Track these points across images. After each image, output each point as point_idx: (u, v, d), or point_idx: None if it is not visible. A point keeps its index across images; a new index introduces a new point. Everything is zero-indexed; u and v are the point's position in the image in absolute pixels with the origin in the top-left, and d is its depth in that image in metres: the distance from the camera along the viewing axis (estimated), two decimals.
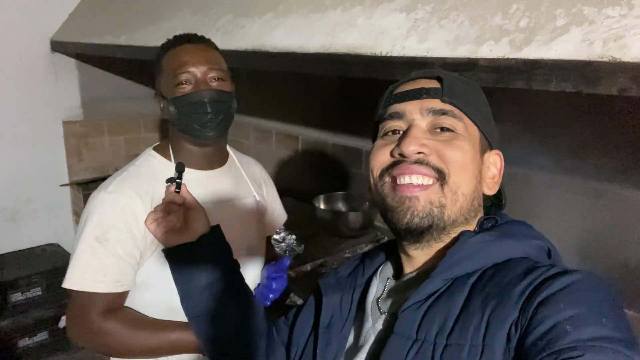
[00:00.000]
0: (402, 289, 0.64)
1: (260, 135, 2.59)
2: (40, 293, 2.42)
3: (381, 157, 0.63)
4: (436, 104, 0.61)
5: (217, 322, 0.85)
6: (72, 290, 0.92)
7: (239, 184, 1.12)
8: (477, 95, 0.66)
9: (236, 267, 0.90)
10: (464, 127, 0.62)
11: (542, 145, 1.42)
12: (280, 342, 0.79)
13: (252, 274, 1.10)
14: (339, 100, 2.13)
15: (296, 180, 2.33)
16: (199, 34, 1.05)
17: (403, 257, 0.66)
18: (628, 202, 1.25)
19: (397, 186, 0.60)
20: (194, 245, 0.85)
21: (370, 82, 0.97)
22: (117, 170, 1.05)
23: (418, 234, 0.60)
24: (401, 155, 0.60)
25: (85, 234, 0.92)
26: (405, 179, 0.60)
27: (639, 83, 0.62)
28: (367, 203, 1.94)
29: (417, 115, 0.62)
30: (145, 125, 2.97)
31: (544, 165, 1.42)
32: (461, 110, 0.62)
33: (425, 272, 0.61)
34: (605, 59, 0.65)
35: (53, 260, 2.53)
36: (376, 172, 0.64)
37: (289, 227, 1.66)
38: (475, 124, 0.63)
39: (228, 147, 1.14)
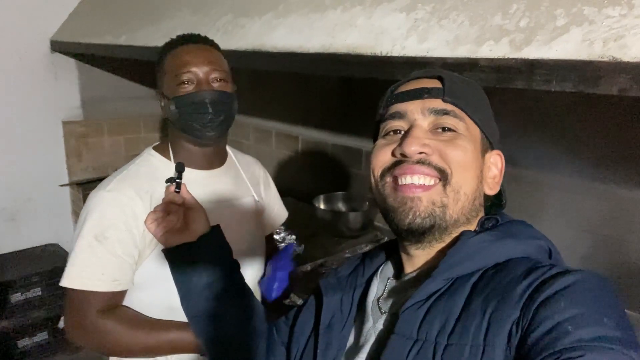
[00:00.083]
0: (403, 288, 0.64)
1: (260, 136, 2.59)
2: (40, 293, 2.42)
3: (382, 157, 0.63)
4: (438, 103, 0.61)
5: (217, 322, 0.85)
6: (69, 289, 0.92)
7: (238, 184, 1.12)
8: (478, 95, 0.66)
9: (236, 267, 0.90)
10: (466, 127, 0.62)
11: (542, 145, 1.42)
12: (280, 342, 0.79)
13: (251, 274, 1.10)
14: (339, 100, 2.13)
15: (296, 180, 2.33)
16: (200, 34, 1.05)
17: (404, 256, 0.66)
18: (628, 202, 1.26)
19: (399, 187, 0.60)
20: (194, 245, 0.85)
21: (370, 82, 0.97)
22: (116, 170, 1.05)
23: (420, 234, 0.60)
24: (403, 155, 0.60)
25: (84, 232, 0.92)
26: (406, 179, 0.60)
27: (638, 83, 0.62)
28: (367, 203, 1.94)
29: (418, 115, 0.62)
30: (145, 125, 2.97)
31: (544, 166, 1.42)
32: (462, 110, 0.62)
33: (426, 271, 0.61)
34: (606, 59, 0.65)
35: (53, 261, 2.53)
36: (377, 172, 0.63)
37: (289, 227, 1.66)
38: (477, 124, 0.63)
39: (227, 147, 1.15)
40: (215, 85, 0.98)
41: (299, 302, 1.35)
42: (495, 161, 0.66)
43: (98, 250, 0.91)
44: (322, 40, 1.12)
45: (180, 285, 0.86)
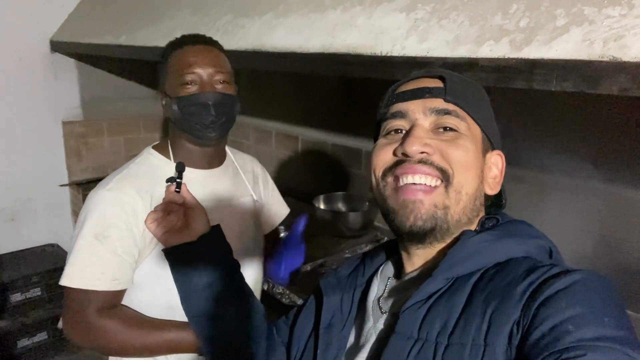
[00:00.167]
0: (403, 288, 0.64)
1: (260, 136, 2.59)
2: (39, 293, 2.42)
3: (384, 156, 0.63)
4: (439, 103, 0.61)
5: (217, 322, 0.85)
6: (69, 288, 0.92)
7: (237, 183, 1.13)
8: (479, 95, 0.66)
9: (236, 266, 0.90)
10: (467, 126, 0.61)
11: (542, 145, 1.42)
12: (280, 342, 0.79)
13: (251, 273, 1.10)
14: (339, 100, 2.13)
15: (296, 180, 2.33)
16: (204, 34, 1.05)
17: (404, 256, 0.66)
18: (628, 202, 1.26)
19: (400, 189, 0.60)
20: (194, 245, 0.85)
21: (370, 82, 0.97)
22: (116, 170, 1.05)
23: (421, 236, 0.60)
24: (404, 154, 0.60)
25: (84, 231, 0.92)
26: (408, 179, 0.59)
27: (638, 83, 0.62)
28: (367, 203, 1.94)
29: (420, 114, 0.62)
30: (145, 125, 2.97)
31: (544, 166, 1.42)
32: (464, 109, 0.62)
33: (427, 271, 0.61)
34: (606, 59, 0.65)
35: (52, 261, 2.53)
36: (378, 171, 0.63)
37: (289, 226, 1.66)
38: (478, 124, 0.63)
39: (226, 147, 1.15)
40: (219, 87, 0.98)
41: (299, 302, 1.35)
42: (496, 161, 0.65)
43: (98, 249, 0.91)
44: (322, 40, 1.12)
45: (180, 285, 0.86)
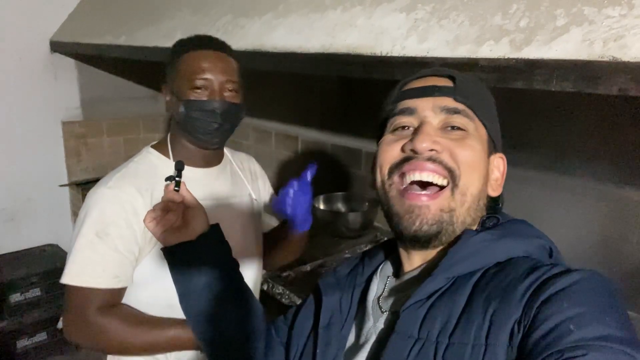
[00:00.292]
0: (403, 287, 0.64)
1: (260, 136, 2.59)
2: (39, 294, 2.42)
3: (391, 152, 0.62)
4: (449, 102, 0.61)
5: (216, 322, 0.85)
6: (70, 286, 0.92)
7: (235, 182, 1.13)
8: (486, 96, 0.66)
9: (235, 266, 0.90)
10: (475, 127, 0.61)
11: (542, 145, 1.42)
12: (279, 341, 0.79)
13: (250, 272, 1.10)
14: (339, 100, 2.13)
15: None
16: (199, 34, 1.06)
17: (403, 255, 0.66)
18: (628, 202, 1.26)
19: (406, 193, 0.59)
20: (193, 244, 0.84)
21: (370, 82, 0.97)
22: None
23: (425, 240, 0.59)
24: (413, 151, 0.59)
25: (85, 229, 0.92)
26: (415, 176, 0.59)
27: (638, 83, 0.62)
28: (367, 203, 1.94)
29: (429, 112, 0.61)
30: (145, 125, 2.97)
31: (544, 166, 1.42)
32: (472, 110, 0.61)
33: (427, 270, 0.61)
34: (606, 59, 0.65)
35: (52, 261, 2.53)
36: (385, 168, 0.62)
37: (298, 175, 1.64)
38: (484, 125, 0.63)
39: None
40: (227, 94, 0.99)
41: (298, 302, 1.34)
42: (498, 164, 0.65)
43: (99, 247, 0.91)
44: (322, 40, 1.13)
45: (179, 284, 0.86)
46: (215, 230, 0.88)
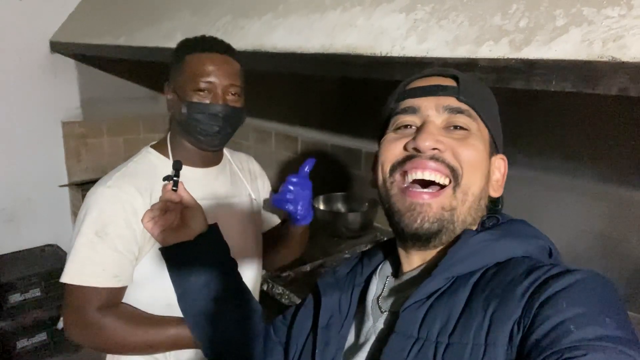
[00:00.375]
0: (403, 287, 0.64)
1: (260, 136, 2.59)
2: (39, 294, 2.42)
3: (394, 150, 0.62)
4: (452, 102, 0.61)
5: (214, 322, 0.85)
6: (69, 285, 0.92)
7: (235, 182, 1.13)
8: (489, 97, 0.66)
9: (234, 266, 0.90)
10: (477, 127, 0.61)
11: (542, 145, 1.42)
12: (277, 341, 0.79)
13: (249, 273, 1.10)
14: (339, 100, 2.13)
15: None
16: (199, 34, 1.06)
17: (402, 255, 0.66)
18: (628, 202, 1.26)
19: (407, 191, 0.59)
20: (191, 244, 0.84)
21: (369, 82, 0.97)
22: None
23: (426, 239, 0.59)
24: (415, 149, 0.59)
25: (84, 228, 0.92)
26: (417, 174, 0.59)
27: (638, 83, 0.62)
28: (367, 204, 1.94)
29: (432, 111, 0.61)
30: (145, 126, 2.97)
31: (543, 167, 1.42)
32: (475, 110, 0.61)
33: (427, 270, 0.61)
34: (605, 59, 0.65)
35: (52, 261, 2.53)
36: (387, 165, 0.62)
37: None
38: (487, 126, 0.63)
39: None
40: (229, 98, 1.00)
41: (298, 302, 1.34)
42: (499, 166, 0.66)
43: (98, 246, 0.91)
44: (321, 40, 1.13)
45: (178, 284, 0.86)
46: (213, 230, 0.88)
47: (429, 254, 0.63)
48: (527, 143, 1.43)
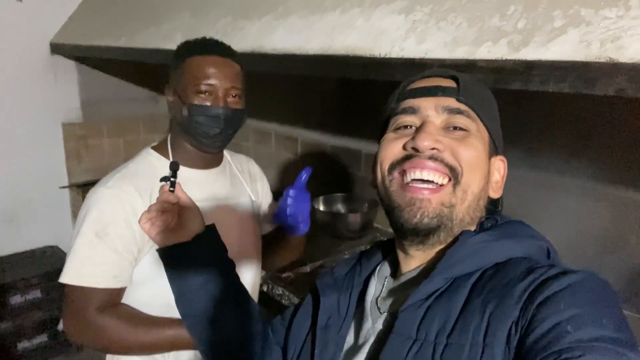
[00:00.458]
0: (402, 288, 0.64)
1: (260, 137, 2.59)
2: (39, 295, 2.42)
3: (393, 149, 0.62)
4: (452, 102, 0.61)
5: (212, 323, 0.85)
6: (69, 285, 0.92)
7: (235, 183, 1.13)
8: (489, 99, 0.66)
9: (232, 266, 0.90)
10: (477, 128, 0.62)
11: (542, 146, 1.42)
12: (276, 342, 0.79)
13: (248, 274, 1.10)
14: (338, 101, 2.13)
15: None
16: (199, 36, 1.06)
17: (401, 256, 0.66)
18: (628, 202, 1.26)
19: (407, 186, 0.60)
20: (189, 245, 0.84)
21: (369, 83, 0.97)
22: None
23: (425, 234, 0.60)
24: (414, 149, 0.60)
25: (84, 229, 0.93)
26: (415, 174, 0.59)
27: (635, 83, 0.63)
28: (367, 204, 1.94)
29: (432, 111, 0.61)
30: (145, 127, 2.98)
31: (543, 167, 1.42)
32: (475, 111, 0.62)
33: (425, 271, 0.61)
34: (603, 60, 0.65)
35: (52, 263, 2.53)
36: (386, 164, 0.63)
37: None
38: (486, 127, 0.63)
39: None
40: (230, 100, 1.00)
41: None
42: (499, 167, 0.66)
43: (98, 247, 0.92)
44: (321, 41, 1.13)
45: (175, 285, 0.85)
46: (210, 231, 0.88)
47: (428, 254, 0.63)
48: (527, 143, 1.43)
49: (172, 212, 0.85)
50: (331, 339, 0.66)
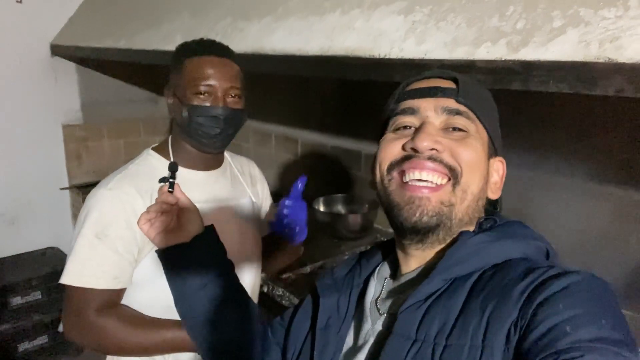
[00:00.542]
0: (401, 289, 0.64)
1: (260, 138, 2.60)
2: (40, 297, 2.42)
3: (392, 150, 0.62)
4: (451, 103, 0.61)
5: (211, 323, 0.85)
6: (69, 286, 0.93)
7: (235, 185, 1.13)
8: (489, 100, 0.66)
9: (231, 267, 0.90)
10: (476, 129, 0.62)
11: (542, 146, 1.42)
12: (275, 343, 0.79)
13: (248, 275, 1.10)
14: (338, 102, 2.13)
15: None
16: (198, 37, 1.06)
17: (400, 256, 0.66)
18: (627, 202, 1.26)
19: (406, 185, 0.60)
20: (188, 246, 0.84)
21: (368, 84, 0.97)
22: None
23: (424, 233, 0.60)
24: (414, 149, 0.60)
25: (85, 230, 0.93)
26: (414, 174, 0.59)
27: (635, 84, 0.63)
28: (367, 205, 1.94)
29: (431, 112, 0.62)
30: (145, 128, 2.98)
31: (542, 167, 1.42)
32: (474, 112, 0.62)
33: (425, 272, 0.61)
34: (602, 60, 0.65)
35: (53, 264, 2.53)
36: (385, 165, 0.63)
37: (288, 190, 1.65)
38: (485, 128, 0.63)
39: None
40: (229, 100, 1.00)
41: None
42: (498, 168, 0.66)
43: (99, 248, 0.92)
44: (320, 42, 1.13)
45: (174, 286, 0.86)
46: (209, 232, 0.88)
47: (427, 254, 0.63)
48: (526, 143, 1.43)
49: (171, 213, 0.86)
50: (331, 340, 0.66)
